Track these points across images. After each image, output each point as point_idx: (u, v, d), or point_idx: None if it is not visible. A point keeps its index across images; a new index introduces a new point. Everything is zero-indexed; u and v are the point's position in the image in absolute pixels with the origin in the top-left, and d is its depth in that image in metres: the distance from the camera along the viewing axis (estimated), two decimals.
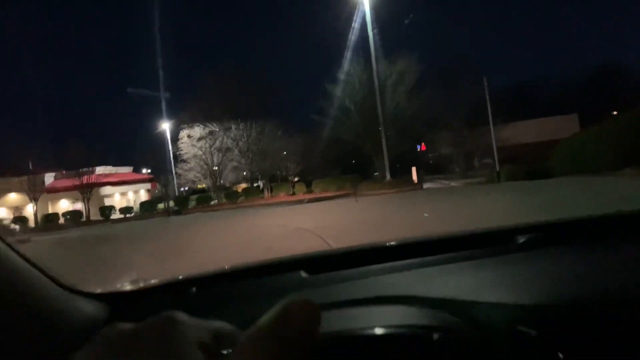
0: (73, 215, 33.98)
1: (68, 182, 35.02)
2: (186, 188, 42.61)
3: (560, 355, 0.68)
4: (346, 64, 32.32)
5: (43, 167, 34.90)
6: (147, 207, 35.70)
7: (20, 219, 33.49)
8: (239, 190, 37.46)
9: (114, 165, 42.48)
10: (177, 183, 39.99)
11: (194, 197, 37.04)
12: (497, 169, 27.50)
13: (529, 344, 0.73)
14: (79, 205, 34.97)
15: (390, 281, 1.01)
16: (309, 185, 32.75)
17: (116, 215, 34.14)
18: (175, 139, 37.64)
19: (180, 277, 1.17)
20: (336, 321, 0.82)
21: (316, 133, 36.70)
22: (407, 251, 1.15)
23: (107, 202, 36.74)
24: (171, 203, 35.74)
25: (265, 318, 0.33)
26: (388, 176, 27.31)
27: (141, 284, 1.14)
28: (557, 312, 0.81)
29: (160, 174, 39.73)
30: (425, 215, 10.62)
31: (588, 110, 39.58)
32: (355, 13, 27.76)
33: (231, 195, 34.82)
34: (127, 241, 14.34)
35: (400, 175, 30.55)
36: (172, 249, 9.90)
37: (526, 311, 0.82)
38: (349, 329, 0.79)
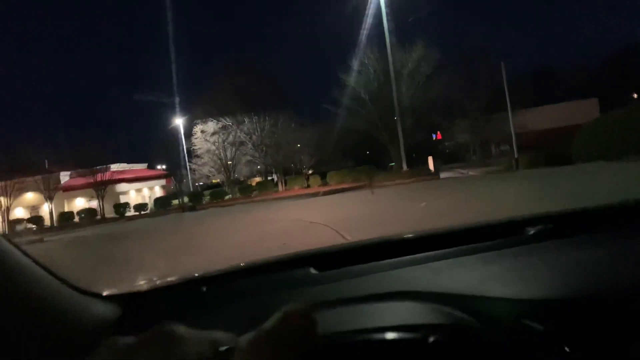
0: (88, 213, 34.12)
1: (83, 181, 35.20)
2: (201, 183, 42.74)
3: (567, 350, 0.68)
4: (361, 53, 31.69)
5: (58, 166, 35.21)
6: (161, 204, 35.74)
7: (36, 219, 33.79)
8: (253, 184, 37.37)
9: (129, 162, 42.76)
10: (191, 178, 40.14)
11: (208, 192, 36.99)
12: (516, 156, 26.83)
13: (536, 338, 0.73)
14: (95, 203, 35.11)
15: (399, 276, 1.01)
16: (323, 177, 32.41)
17: (131, 212, 34.19)
18: (189, 134, 37.65)
19: (190, 276, 1.15)
20: (343, 319, 0.83)
21: (330, 124, 36.35)
22: (416, 245, 1.13)
23: (123, 199, 36.88)
24: (185, 199, 35.71)
25: (265, 325, 0.34)
26: (405, 166, 26.87)
27: (152, 284, 1.13)
28: (565, 305, 0.80)
29: (175, 169, 39.82)
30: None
31: (608, 94, 38.72)
32: (370, 0, 27.08)
33: (245, 189, 34.69)
34: (138, 240, 14.15)
35: (416, 165, 30.16)
36: (184, 247, 9.66)
37: (534, 305, 0.81)
38: (351, 330, 0.78)
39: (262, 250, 7.02)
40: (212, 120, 34.97)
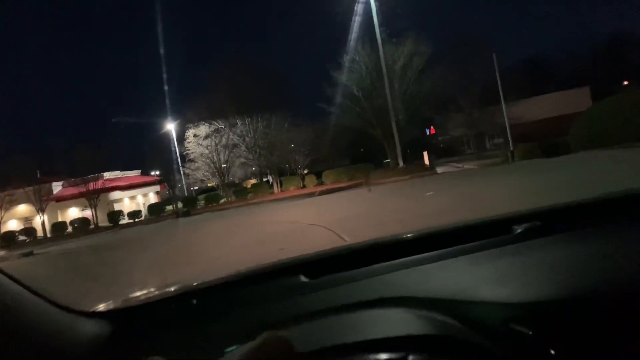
0: (81, 223, 33.65)
1: (75, 190, 34.72)
2: (195, 187, 42.44)
3: (552, 352, 0.69)
4: (352, 49, 31.31)
5: (50, 176, 34.71)
6: (155, 210, 35.32)
7: (28, 230, 33.28)
8: (248, 186, 37.04)
9: (122, 169, 42.29)
10: (186, 183, 39.85)
11: (202, 196, 36.66)
12: (511, 147, 26.68)
13: (524, 342, 0.74)
14: (88, 213, 34.65)
15: (390, 281, 1.01)
16: (319, 176, 32.11)
17: (125, 220, 33.75)
18: (181, 139, 37.25)
19: (180, 289, 1.14)
20: (332, 331, 0.83)
21: (324, 123, 35.97)
22: (408, 246, 1.13)
23: (117, 206, 36.40)
24: (179, 204, 35.36)
25: (244, 350, 0.35)
26: (401, 162, 26.67)
27: (140, 299, 1.11)
28: (553, 307, 0.81)
29: (169, 175, 39.50)
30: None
31: (599, 83, 38.74)
32: None
33: (240, 192, 34.34)
34: (129, 250, 13.80)
35: (411, 160, 30.04)
36: (175, 257, 9.35)
37: (522, 308, 0.82)
38: (335, 346, 0.78)
39: (258, 257, 6.71)
40: (204, 124, 34.58)
